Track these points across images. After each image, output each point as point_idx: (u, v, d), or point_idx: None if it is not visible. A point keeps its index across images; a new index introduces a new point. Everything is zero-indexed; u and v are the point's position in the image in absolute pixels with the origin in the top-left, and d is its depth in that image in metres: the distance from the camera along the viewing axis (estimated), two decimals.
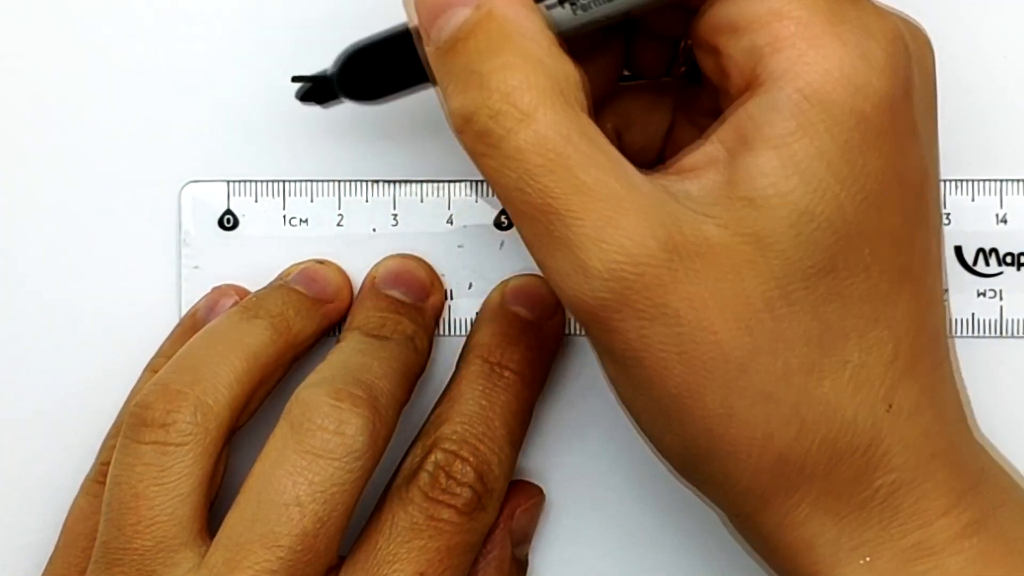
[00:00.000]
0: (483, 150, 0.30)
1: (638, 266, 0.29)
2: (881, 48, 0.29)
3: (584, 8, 0.31)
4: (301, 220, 0.39)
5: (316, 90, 0.36)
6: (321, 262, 0.39)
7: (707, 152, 0.30)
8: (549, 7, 0.31)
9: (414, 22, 0.32)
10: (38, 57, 0.40)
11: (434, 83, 0.33)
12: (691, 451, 0.31)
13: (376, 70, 0.35)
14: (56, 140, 0.40)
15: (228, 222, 0.40)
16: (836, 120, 0.29)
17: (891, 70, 0.29)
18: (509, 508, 0.37)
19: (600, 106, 0.36)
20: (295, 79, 0.36)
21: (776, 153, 0.29)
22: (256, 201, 0.40)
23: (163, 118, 0.40)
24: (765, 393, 0.30)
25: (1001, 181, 0.38)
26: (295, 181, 0.39)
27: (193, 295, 0.39)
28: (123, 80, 0.40)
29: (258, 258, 0.39)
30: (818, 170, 0.29)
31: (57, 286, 0.40)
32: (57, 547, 0.37)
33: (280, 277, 0.39)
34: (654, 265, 0.29)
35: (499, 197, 0.31)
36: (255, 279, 0.39)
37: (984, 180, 0.38)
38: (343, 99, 0.36)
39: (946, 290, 0.39)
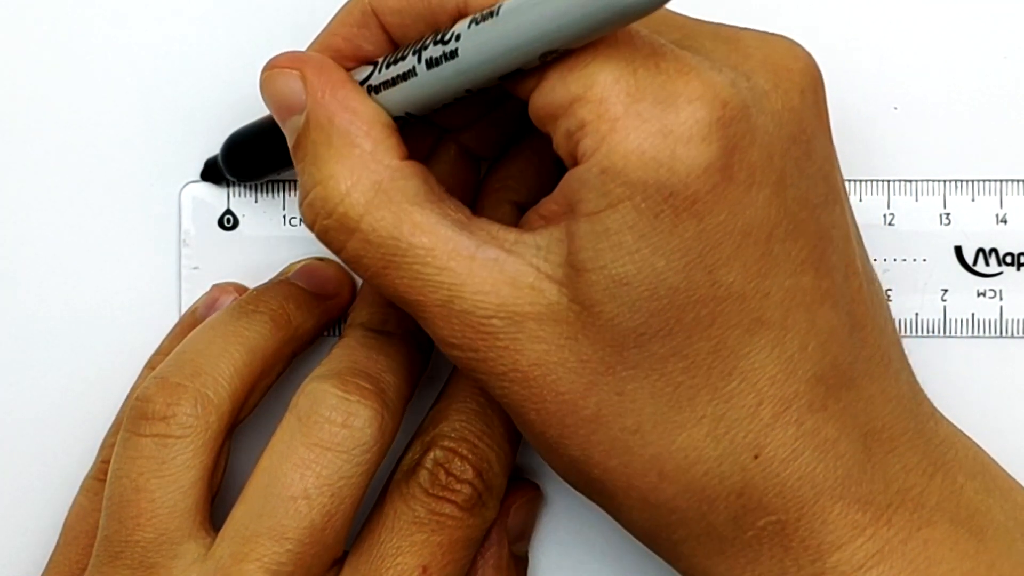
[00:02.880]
0: (329, 247, 0.33)
1: (483, 336, 0.31)
2: (687, 115, 0.29)
3: (376, 90, 0.33)
4: (301, 220, 0.39)
5: (210, 172, 0.39)
6: (322, 259, 0.39)
7: (550, 209, 0.31)
8: (375, 90, 0.33)
9: None
10: (38, 57, 0.40)
11: None
12: (575, 482, 0.33)
13: (254, 155, 0.38)
14: (56, 140, 0.40)
15: (228, 222, 0.40)
16: (642, 195, 0.29)
17: (701, 135, 0.29)
18: (505, 505, 0.37)
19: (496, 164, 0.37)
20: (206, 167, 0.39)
21: (591, 225, 0.30)
22: (256, 201, 0.40)
23: (163, 118, 0.40)
24: (620, 446, 0.31)
25: (1001, 181, 0.39)
26: (295, 181, 0.39)
27: (193, 295, 0.39)
28: (123, 80, 0.40)
29: (258, 258, 0.39)
30: (628, 241, 0.30)
31: (57, 286, 0.40)
32: (58, 545, 0.37)
33: (281, 273, 0.39)
34: (496, 333, 0.31)
35: None
36: (255, 279, 0.39)
37: (984, 180, 0.39)
38: (231, 179, 0.39)
39: (945, 290, 0.39)
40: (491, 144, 0.37)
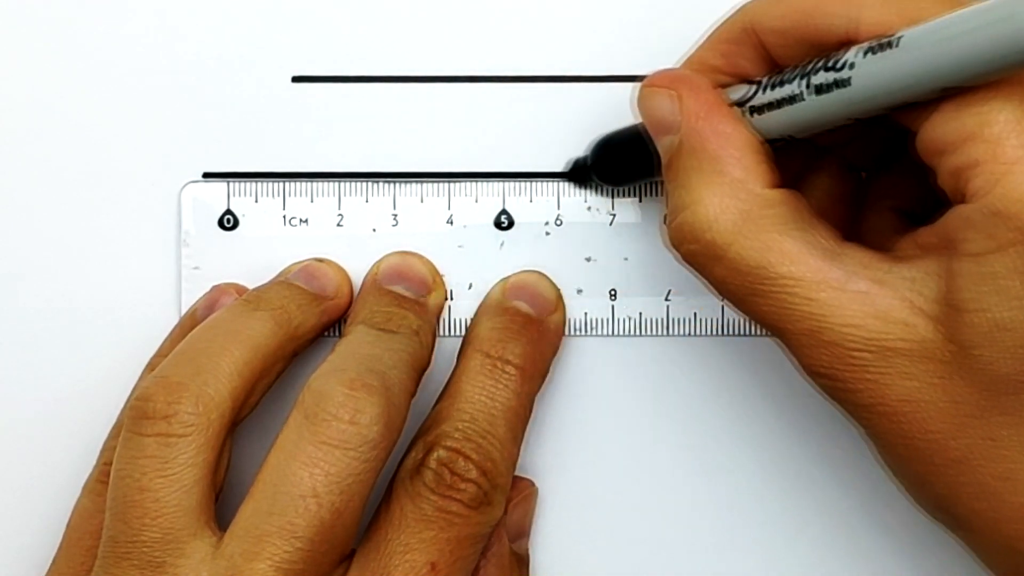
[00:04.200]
0: (695, 270, 0.33)
1: (850, 368, 0.31)
2: None
3: (757, 111, 0.33)
4: (301, 220, 0.40)
5: (577, 172, 0.39)
6: (322, 260, 0.39)
7: (928, 240, 0.31)
8: (756, 111, 0.33)
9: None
10: (38, 57, 0.40)
11: None
12: (938, 518, 0.33)
13: (625, 160, 0.38)
14: (56, 140, 0.40)
15: (228, 222, 0.40)
16: None
17: None
18: None
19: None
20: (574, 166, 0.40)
21: (975, 266, 0.29)
22: (256, 201, 0.40)
23: (163, 118, 0.40)
24: (989, 491, 0.31)
25: None
26: (295, 181, 0.40)
27: (193, 295, 0.39)
28: (123, 80, 0.40)
29: (258, 258, 0.40)
30: (1014, 287, 0.29)
31: (57, 286, 0.40)
32: (61, 547, 0.37)
33: (281, 274, 0.39)
34: (865, 366, 0.31)
35: None
36: (255, 279, 0.39)
37: None
38: (596, 181, 0.39)
39: None
40: (871, 158, 0.37)
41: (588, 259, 0.39)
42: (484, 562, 0.37)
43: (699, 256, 0.33)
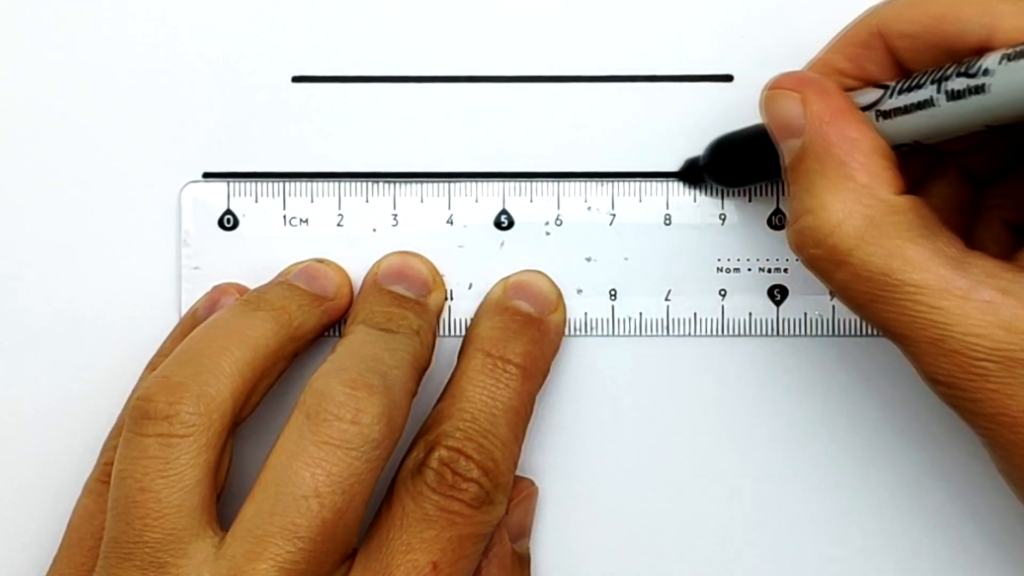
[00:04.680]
0: (815, 274, 0.33)
1: (972, 378, 0.31)
2: None
3: (886, 116, 0.33)
4: (301, 220, 0.40)
5: (689, 172, 0.39)
6: (322, 261, 0.39)
7: None
8: (884, 115, 0.33)
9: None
10: (38, 57, 0.40)
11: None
12: None
13: (742, 162, 0.38)
14: (56, 140, 0.40)
15: (228, 222, 0.40)
16: None
17: None
18: None
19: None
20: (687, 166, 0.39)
21: None
22: (256, 201, 0.40)
23: (163, 118, 0.40)
24: None
25: None
26: (295, 181, 0.40)
27: (193, 295, 0.39)
28: (123, 80, 0.40)
29: (258, 258, 0.39)
30: None
31: (57, 286, 0.40)
32: (61, 548, 0.37)
33: (281, 275, 0.39)
34: (987, 375, 0.31)
35: None
36: (255, 279, 0.39)
37: None
38: (710, 181, 0.39)
39: None
40: (991, 166, 0.36)
41: (588, 259, 0.40)
42: (486, 562, 0.37)
43: (820, 261, 0.32)
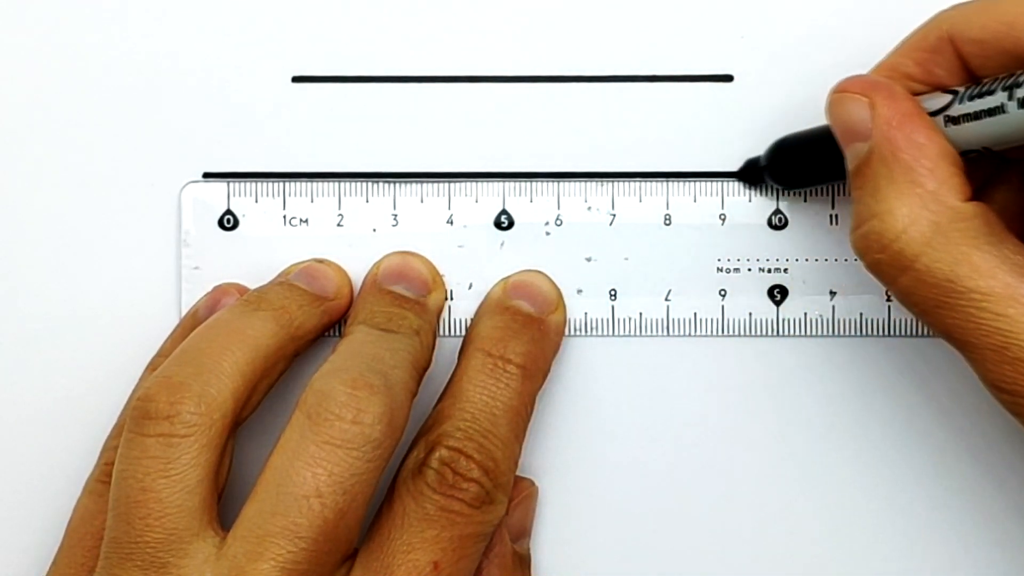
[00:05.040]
0: (878, 278, 0.33)
1: None
2: None
3: (955, 121, 0.32)
4: (301, 220, 0.40)
5: (748, 172, 0.39)
6: (322, 261, 0.39)
7: None
8: (953, 121, 0.32)
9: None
10: (38, 57, 0.40)
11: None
12: None
13: (804, 163, 0.37)
14: (56, 140, 0.40)
15: (228, 222, 0.40)
16: None
17: None
18: None
19: None
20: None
21: None
22: (256, 201, 0.40)
23: (163, 118, 0.40)
24: None
25: None
26: (295, 181, 0.40)
27: (193, 295, 0.39)
28: (123, 80, 0.40)
29: (258, 258, 0.40)
30: None
31: (57, 286, 0.40)
32: (61, 547, 0.37)
33: (282, 275, 0.39)
34: None
35: None
36: (255, 279, 0.39)
37: None
38: (770, 182, 0.39)
39: None
40: None
41: (588, 259, 0.40)
42: (487, 562, 0.37)
43: (884, 266, 0.32)
